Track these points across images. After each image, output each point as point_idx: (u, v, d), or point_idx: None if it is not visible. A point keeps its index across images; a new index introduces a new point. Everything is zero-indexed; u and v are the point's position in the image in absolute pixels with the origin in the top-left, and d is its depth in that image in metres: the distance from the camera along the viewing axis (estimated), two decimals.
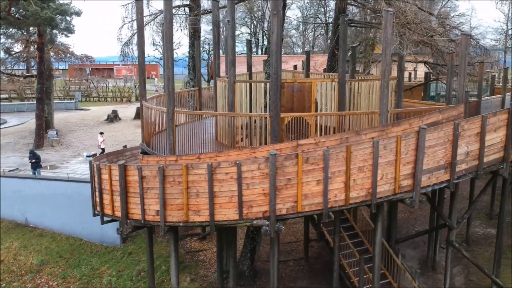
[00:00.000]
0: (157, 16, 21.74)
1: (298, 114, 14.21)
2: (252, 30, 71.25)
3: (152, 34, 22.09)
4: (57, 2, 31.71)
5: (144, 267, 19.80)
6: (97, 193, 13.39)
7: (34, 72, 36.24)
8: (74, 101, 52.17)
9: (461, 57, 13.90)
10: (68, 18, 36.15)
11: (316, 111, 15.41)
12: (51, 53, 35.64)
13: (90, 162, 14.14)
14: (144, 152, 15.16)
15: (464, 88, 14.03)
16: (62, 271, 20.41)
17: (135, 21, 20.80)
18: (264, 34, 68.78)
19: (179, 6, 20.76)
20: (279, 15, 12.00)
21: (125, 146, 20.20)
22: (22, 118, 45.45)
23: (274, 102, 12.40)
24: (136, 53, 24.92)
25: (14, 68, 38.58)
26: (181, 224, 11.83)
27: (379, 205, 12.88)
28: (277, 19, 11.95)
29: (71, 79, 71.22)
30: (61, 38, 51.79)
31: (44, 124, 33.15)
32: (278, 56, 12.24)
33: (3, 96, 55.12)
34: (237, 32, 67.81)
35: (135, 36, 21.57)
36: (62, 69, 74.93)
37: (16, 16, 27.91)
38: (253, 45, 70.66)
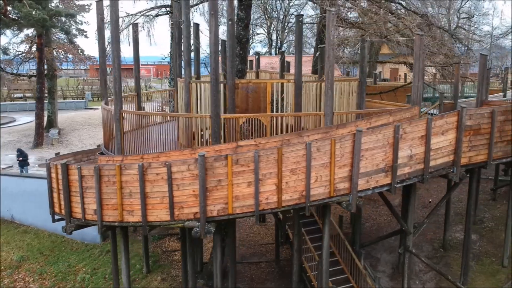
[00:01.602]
0: (142, 15, 21.86)
1: (251, 115, 14.12)
2: (266, 30, 71.05)
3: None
4: (54, 3, 32.49)
5: (119, 265, 20.00)
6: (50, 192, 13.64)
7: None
8: (84, 100, 53.17)
9: (416, 58, 13.57)
10: (77, 20, 37.06)
11: (276, 111, 15.33)
12: (54, 52, 36.32)
13: (47, 161, 14.37)
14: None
15: (419, 90, 13.69)
16: (40, 268, 20.80)
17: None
18: (278, 35, 68.59)
19: (160, 7, 20.86)
20: (216, 15, 11.94)
21: (99, 146, 20.45)
22: (31, 117, 46.57)
23: (214, 103, 12.35)
24: (126, 54, 25.36)
25: (21, 68, 39.45)
26: (116, 224, 11.91)
27: (325, 208, 12.74)
28: (214, 20, 11.90)
29: (89, 79, 72.55)
30: (78, 39, 53.03)
31: (43, 123, 33.88)
32: (216, 56, 12.18)
33: (17, 95, 56.65)
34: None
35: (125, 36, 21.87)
36: (70, 69, 76.10)
37: (13, 17, 28.61)
38: (265, 45, 70.60)
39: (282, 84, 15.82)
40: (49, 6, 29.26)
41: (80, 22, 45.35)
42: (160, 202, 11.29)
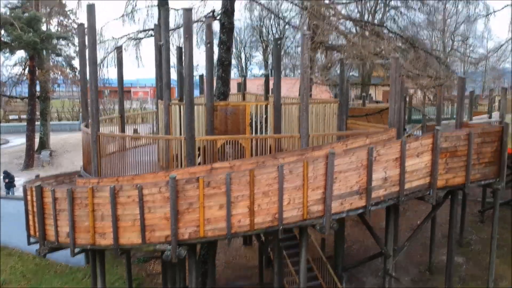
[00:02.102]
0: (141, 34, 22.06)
1: (229, 137, 14.11)
2: (262, 52, 71.67)
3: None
4: (53, 26, 32.89)
5: None
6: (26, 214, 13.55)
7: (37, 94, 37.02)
8: (78, 121, 53.13)
9: (392, 80, 13.64)
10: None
11: (256, 133, 15.33)
12: (51, 75, 36.54)
13: (24, 183, 14.31)
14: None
15: (397, 112, 13.72)
16: None
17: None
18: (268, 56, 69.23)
19: (146, 30, 21.09)
20: (190, 39, 12.04)
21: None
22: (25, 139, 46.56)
23: (188, 125, 12.36)
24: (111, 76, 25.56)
25: (17, 90, 39.70)
26: (89, 247, 11.79)
27: (303, 230, 12.64)
28: (188, 43, 11.99)
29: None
30: (75, 60, 53.45)
31: (34, 144, 33.85)
32: (191, 79, 12.24)
33: (12, 116, 56.74)
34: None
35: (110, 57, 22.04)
36: (69, 91, 76.54)
37: (5, 40, 28.90)
38: (262, 67, 70.96)
39: (266, 106, 15.87)
40: (41, 29, 29.53)
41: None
42: (131, 224, 11.19)
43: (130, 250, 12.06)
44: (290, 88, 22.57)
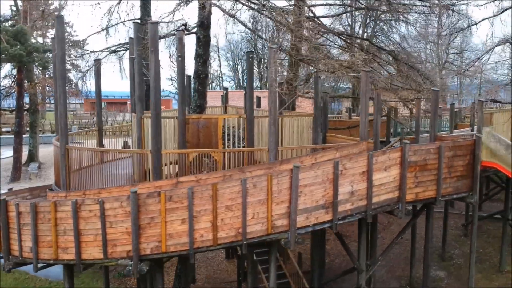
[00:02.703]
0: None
1: (199, 150, 14.03)
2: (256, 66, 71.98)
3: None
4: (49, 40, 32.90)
5: None
6: None
7: (26, 106, 37.09)
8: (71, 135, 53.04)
9: (362, 94, 13.59)
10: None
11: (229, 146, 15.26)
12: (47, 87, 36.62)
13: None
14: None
15: (367, 126, 13.65)
16: None
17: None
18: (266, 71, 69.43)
19: (124, 43, 21.11)
20: (156, 52, 12.01)
21: None
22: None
23: (154, 138, 12.28)
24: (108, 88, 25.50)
25: (9, 103, 39.81)
26: (51, 261, 11.64)
27: (272, 244, 12.49)
28: (154, 56, 11.96)
29: (78, 113, 72.90)
30: (71, 73, 53.65)
31: (21, 157, 33.76)
32: (157, 92, 12.19)
33: (4, 129, 56.66)
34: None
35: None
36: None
37: None
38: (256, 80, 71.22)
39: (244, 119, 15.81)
40: (28, 42, 29.60)
41: (74, 57, 45.92)
42: (93, 239, 11.06)
43: (93, 265, 11.88)
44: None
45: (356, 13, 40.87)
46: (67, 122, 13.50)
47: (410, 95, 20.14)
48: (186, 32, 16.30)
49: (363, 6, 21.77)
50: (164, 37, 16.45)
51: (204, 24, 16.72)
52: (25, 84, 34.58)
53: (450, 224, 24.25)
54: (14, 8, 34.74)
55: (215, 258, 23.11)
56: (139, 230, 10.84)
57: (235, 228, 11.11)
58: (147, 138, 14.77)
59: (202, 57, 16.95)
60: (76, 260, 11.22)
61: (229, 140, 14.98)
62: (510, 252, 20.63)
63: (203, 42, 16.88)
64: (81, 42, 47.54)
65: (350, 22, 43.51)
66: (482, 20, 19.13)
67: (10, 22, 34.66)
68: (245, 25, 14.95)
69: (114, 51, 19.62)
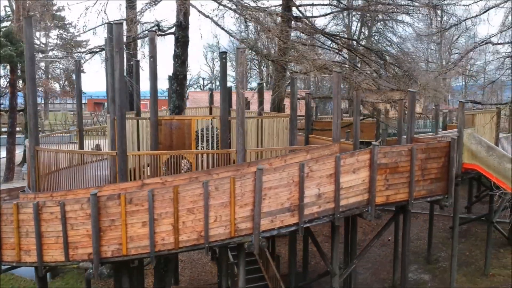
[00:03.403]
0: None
1: (170, 152, 13.91)
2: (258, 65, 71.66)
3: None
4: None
5: None
6: None
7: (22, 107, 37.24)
8: (69, 134, 53.19)
9: (334, 95, 13.40)
10: None
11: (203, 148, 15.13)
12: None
13: None
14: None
15: (339, 127, 13.46)
16: None
17: None
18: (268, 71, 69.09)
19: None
20: (121, 53, 11.91)
21: None
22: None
23: (120, 140, 12.18)
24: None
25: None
26: (14, 264, 11.57)
27: (240, 247, 12.34)
28: (118, 57, 11.86)
29: (90, 112, 73.23)
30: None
31: (14, 157, 33.84)
32: (122, 93, 12.08)
33: (4, 129, 56.93)
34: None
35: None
36: (69, 103, 77.26)
37: None
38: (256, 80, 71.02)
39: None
40: (20, 43, 29.64)
41: (78, 58, 45.99)
42: (55, 242, 10.97)
43: (55, 268, 11.82)
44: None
45: (353, 13, 40.54)
46: (37, 122, 13.42)
47: (396, 96, 19.95)
48: (161, 33, 16.20)
49: (345, 6, 21.52)
50: (139, 38, 16.33)
51: (182, 24, 16.56)
52: (20, 85, 34.67)
53: (439, 227, 24.04)
54: (8, 9, 34.86)
55: (200, 260, 22.99)
56: (100, 233, 10.73)
57: (197, 231, 10.98)
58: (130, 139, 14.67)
59: (181, 58, 16.79)
60: (38, 262, 11.13)
61: (203, 141, 14.84)
62: (496, 255, 20.38)
63: (181, 43, 16.72)
64: (84, 43, 47.61)
65: (347, 23, 43.27)
66: (465, 19, 18.87)
67: (7, 23, 34.83)
68: (218, 25, 14.82)
69: (94, 52, 19.52)
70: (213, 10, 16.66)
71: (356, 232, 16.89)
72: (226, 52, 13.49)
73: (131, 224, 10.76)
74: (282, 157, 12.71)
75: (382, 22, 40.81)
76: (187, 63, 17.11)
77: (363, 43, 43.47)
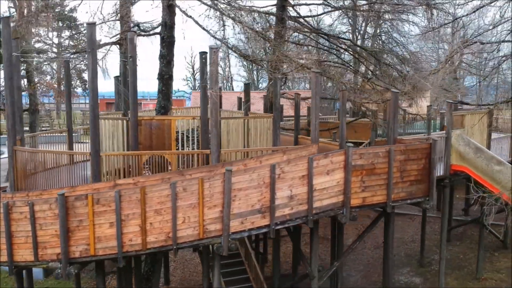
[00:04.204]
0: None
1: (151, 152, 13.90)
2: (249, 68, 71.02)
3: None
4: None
5: None
6: None
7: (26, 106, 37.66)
8: (76, 134, 53.72)
9: (312, 96, 13.24)
10: None
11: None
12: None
13: None
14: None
15: (317, 128, 13.30)
16: None
17: None
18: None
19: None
20: (94, 52, 11.92)
21: None
22: None
23: (93, 140, 12.18)
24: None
25: None
26: None
27: (207, 249, 12.29)
28: (92, 57, 11.86)
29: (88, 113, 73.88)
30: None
31: None
32: (95, 93, 12.08)
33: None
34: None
35: None
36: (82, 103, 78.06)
37: None
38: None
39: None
40: (19, 44, 29.98)
41: (67, 58, 46.50)
42: (24, 241, 11.01)
43: (25, 268, 11.88)
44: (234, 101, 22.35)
45: (357, 14, 40.15)
46: (15, 123, 13.50)
47: (386, 96, 19.63)
48: (144, 33, 16.19)
49: (336, 6, 21.29)
50: (123, 38, 16.34)
51: (167, 24, 16.55)
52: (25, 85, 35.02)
53: (434, 229, 23.66)
54: (13, 10, 35.19)
55: (193, 260, 22.98)
56: (68, 233, 10.75)
57: (165, 233, 10.93)
58: (103, 139, 14.69)
59: (166, 58, 16.78)
60: (8, 262, 11.17)
61: (186, 142, 14.81)
62: (490, 259, 19.98)
63: (167, 43, 16.71)
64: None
65: (351, 22, 42.94)
66: (455, 19, 18.50)
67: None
68: (199, 25, 14.72)
69: (78, 52, 19.63)
70: (200, 12, 16.61)
71: (343, 234, 16.69)
72: (206, 52, 13.38)
73: (99, 224, 10.75)
74: (258, 158, 12.60)
75: (388, 22, 40.37)
76: (172, 63, 17.08)
77: (367, 43, 43.29)
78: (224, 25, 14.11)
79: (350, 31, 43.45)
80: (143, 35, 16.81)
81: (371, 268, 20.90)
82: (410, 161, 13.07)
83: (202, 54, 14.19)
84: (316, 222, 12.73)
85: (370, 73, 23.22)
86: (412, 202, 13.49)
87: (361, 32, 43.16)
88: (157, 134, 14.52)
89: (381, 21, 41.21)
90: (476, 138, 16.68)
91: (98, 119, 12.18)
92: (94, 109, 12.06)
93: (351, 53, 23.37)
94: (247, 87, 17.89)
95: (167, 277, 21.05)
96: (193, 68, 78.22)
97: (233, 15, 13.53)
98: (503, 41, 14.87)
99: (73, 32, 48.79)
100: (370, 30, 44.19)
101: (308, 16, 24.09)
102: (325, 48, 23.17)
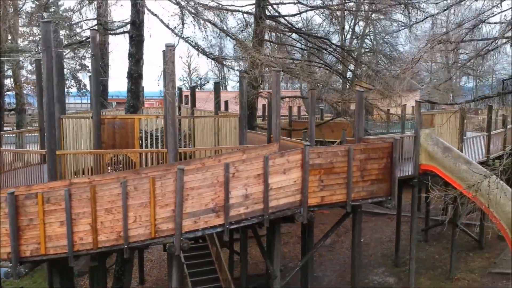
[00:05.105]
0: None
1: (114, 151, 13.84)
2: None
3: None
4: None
5: None
6: None
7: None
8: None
9: (273, 94, 13.17)
10: None
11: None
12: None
13: None
14: None
15: (278, 127, 13.22)
16: None
17: None
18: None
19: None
20: (49, 51, 11.85)
21: None
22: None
23: (48, 139, 12.11)
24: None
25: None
26: None
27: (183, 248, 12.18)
28: (46, 55, 11.80)
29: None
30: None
31: None
32: (50, 91, 12.02)
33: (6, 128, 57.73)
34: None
35: None
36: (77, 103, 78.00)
37: None
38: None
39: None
40: (5, 44, 29.92)
41: (84, 57, 46.36)
42: None
43: None
44: (206, 100, 22.32)
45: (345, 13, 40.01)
46: None
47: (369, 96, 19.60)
48: (111, 32, 16.12)
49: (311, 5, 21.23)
50: (87, 38, 16.28)
51: (136, 23, 16.50)
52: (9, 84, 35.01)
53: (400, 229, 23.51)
54: None
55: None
56: (19, 232, 10.64)
57: (116, 232, 10.84)
58: (67, 138, 14.62)
59: (135, 56, 16.75)
60: None
61: (147, 140, 14.75)
62: (465, 259, 19.91)
63: (136, 41, 16.67)
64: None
65: (340, 22, 42.72)
66: (425, 18, 18.40)
67: None
68: (164, 23, 14.66)
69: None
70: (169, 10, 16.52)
71: (312, 233, 16.59)
72: (173, 45, 13.20)
73: (49, 223, 10.65)
74: (217, 157, 12.51)
75: (376, 22, 40.23)
76: (142, 61, 17.03)
77: (355, 43, 43.18)
78: (183, 21, 14.04)
79: (338, 31, 43.29)
80: (111, 34, 16.73)
81: (347, 268, 20.78)
82: (371, 160, 12.99)
83: (168, 47, 14.14)
84: (276, 221, 12.69)
85: (350, 72, 23.22)
86: (374, 202, 13.43)
87: (349, 32, 42.97)
88: (121, 133, 14.43)
89: (369, 21, 41.17)
90: (444, 137, 16.58)
91: (53, 118, 12.14)
92: (49, 107, 12.01)
93: (330, 52, 23.30)
94: (217, 86, 17.82)
95: (141, 277, 20.98)
96: (189, 68, 78.27)
97: (193, 11, 13.42)
98: (470, 40, 14.74)
99: (67, 32, 48.80)
100: (358, 30, 44.03)
101: (286, 16, 23.98)
102: (305, 48, 23.18)
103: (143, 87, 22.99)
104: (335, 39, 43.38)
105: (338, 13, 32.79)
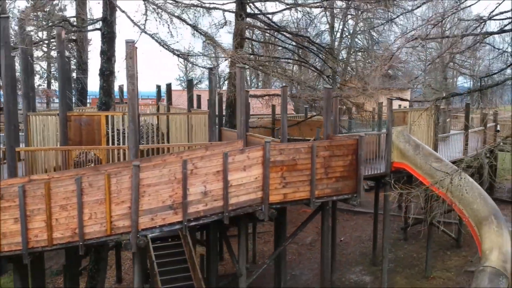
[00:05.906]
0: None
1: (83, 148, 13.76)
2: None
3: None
4: None
5: None
6: None
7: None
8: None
9: (238, 91, 13.07)
10: None
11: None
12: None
13: None
14: None
15: (243, 124, 13.13)
16: None
17: None
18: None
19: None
20: (7, 46, 11.76)
21: None
22: None
23: (8, 136, 12.02)
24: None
25: None
26: None
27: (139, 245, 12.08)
28: (5, 51, 11.71)
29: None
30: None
31: None
32: (11, 88, 11.93)
33: None
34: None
35: None
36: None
37: None
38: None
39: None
40: None
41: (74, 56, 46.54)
42: None
43: None
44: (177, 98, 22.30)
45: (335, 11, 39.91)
46: None
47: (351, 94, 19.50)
48: (82, 29, 16.02)
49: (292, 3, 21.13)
50: (53, 36, 16.15)
51: (107, 20, 16.40)
52: None
53: (392, 227, 23.39)
54: None
55: None
56: None
57: (71, 229, 10.76)
58: (33, 135, 14.54)
59: (107, 54, 16.65)
60: None
61: (117, 138, 14.65)
62: (442, 258, 19.79)
63: (107, 38, 16.58)
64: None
65: (329, 21, 42.62)
66: (400, 14, 18.32)
67: None
68: (132, 20, 14.54)
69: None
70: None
71: (285, 231, 16.47)
72: (133, 41, 13.04)
73: (4, 220, 10.58)
74: (178, 154, 12.43)
75: (366, 21, 40.12)
76: (114, 59, 16.92)
77: (345, 41, 43.11)
78: (146, 14, 13.96)
79: (328, 30, 43.19)
80: (83, 31, 16.62)
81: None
82: (336, 157, 12.88)
83: (128, 42, 14.03)
84: (242, 219, 12.60)
85: (330, 69, 23.13)
86: (339, 199, 13.33)
87: (339, 31, 42.85)
88: (87, 130, 14.34)
89: (359, 21, 41.07)
90: (417, 135, 16.48)
91: (13, 114, 12.03)
92: (8, 103, 11.90)
93: (312, 50, 23.21)
94: (190, 83, 17.74)
95: (119, 276, 20.88)
96: (185, 67, 78.07)
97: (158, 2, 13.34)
98: (446, 37, 14.66)
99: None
100: (346, 29, 43.89)
101: (267, 14, 23.87)
102: (286, 47, 23.09)
103: (122, 85, 22.97)
104: (326, 38, 43.59)
105: (317, 11, 32.76)
